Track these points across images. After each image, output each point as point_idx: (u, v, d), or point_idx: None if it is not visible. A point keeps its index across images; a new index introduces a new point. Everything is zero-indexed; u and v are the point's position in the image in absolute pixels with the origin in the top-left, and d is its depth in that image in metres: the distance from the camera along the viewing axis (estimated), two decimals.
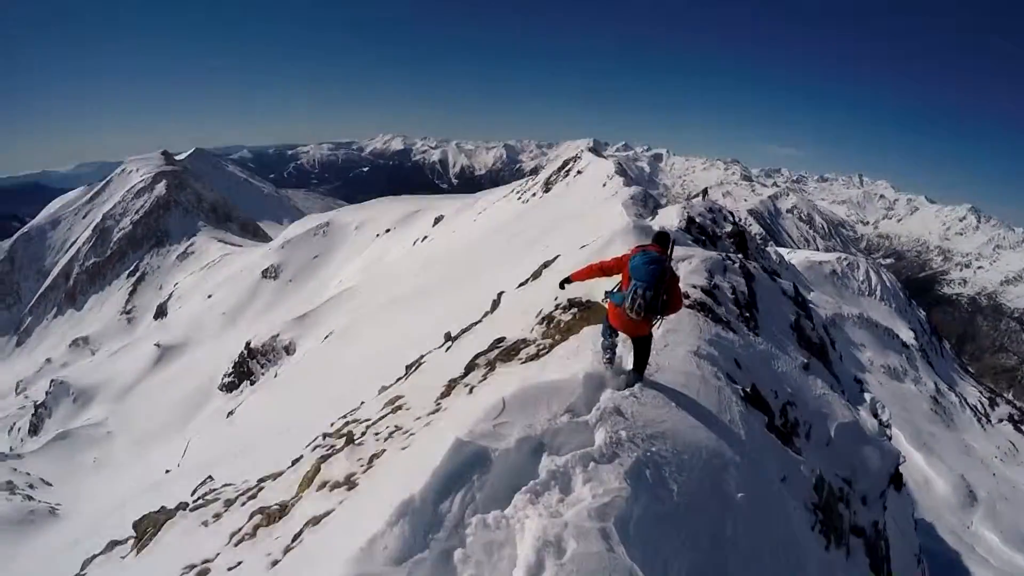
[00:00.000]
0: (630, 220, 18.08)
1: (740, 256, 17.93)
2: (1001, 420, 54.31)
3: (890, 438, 12.96)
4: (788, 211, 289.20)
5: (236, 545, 8.06)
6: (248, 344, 48.69)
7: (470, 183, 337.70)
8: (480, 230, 48.86)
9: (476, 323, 15.56)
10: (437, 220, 61.99)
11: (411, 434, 8.31)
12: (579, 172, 51.71)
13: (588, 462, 4.66)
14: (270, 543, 7.14)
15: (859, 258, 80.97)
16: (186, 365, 57.52)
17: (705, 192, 33.00)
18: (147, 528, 12.04)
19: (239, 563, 7.24)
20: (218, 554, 8.19)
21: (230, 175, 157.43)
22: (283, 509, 8.28)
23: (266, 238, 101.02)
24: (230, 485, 13.70)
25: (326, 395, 23.73)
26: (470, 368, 10.24)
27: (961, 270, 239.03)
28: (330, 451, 9.72)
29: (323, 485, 8.02)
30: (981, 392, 61.37)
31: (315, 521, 6.60)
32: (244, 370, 47.76)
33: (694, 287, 11.48)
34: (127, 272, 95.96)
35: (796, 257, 71.69)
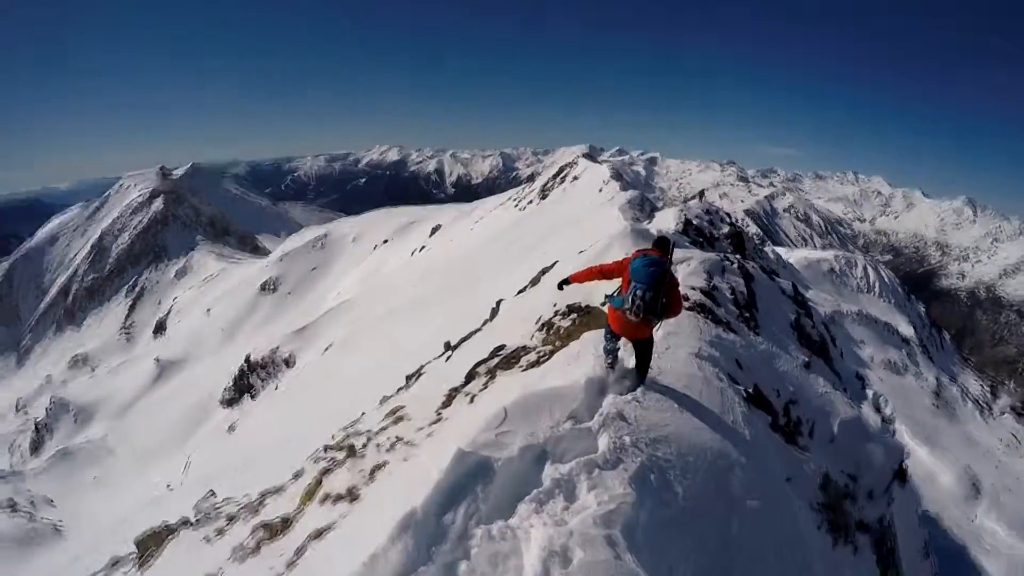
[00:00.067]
0: (627, 224, 18.08)
1: (738, 257, 17.93)
2: (1003, 411, 54.20)
3: (894, 433, 12.92)
4: (784, 210, 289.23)
5: (239, 561, 8.01)
6: (248, 358, 48.58)
7: (467, 192, 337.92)
8: (478, 239, 48.86)
9: (476, 331, 15.53)
10: (434, 230, 61.99)
11: (413, 445, 8.26)
12: (575, 178, 51.78)
13: (592, 469, 4.61)
14: (273, 558, 7.09)
15: (857, 255, 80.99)
16: (186, 380, 57.39)
17: (701, 194, 33.03)
18: (149, 545, 11.98)
19: None
20: (221, 569, 8.14)
21: (227, 190, 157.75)
22: (286, 523, 8.23)
23: (264, 252, 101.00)
24: (232, 499, 13.62)
25: (327, 407, 23.68)
26: (471, 377, 10.20)
27: (959, 263, 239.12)
28: (332, 463, 9.66)
29: (325, 498, 7.97)
30: (983, 384, 61.24)
31: (318, 535, 6.56)
32: (244, 384, 47.62)
33: (693, 289, 11.46)
34: (126, 288, 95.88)
35: (794, 256, 71.68)
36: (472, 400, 8.59)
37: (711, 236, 22.22)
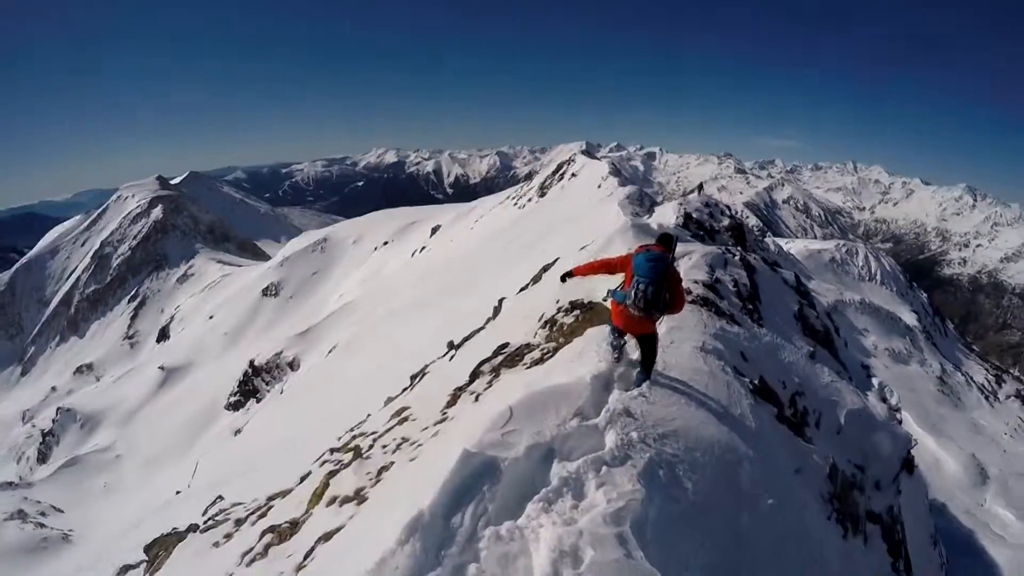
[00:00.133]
0: (628, 219, 18.04)
1: (739, 249, 17.89)
2: (1009, 397, 54.10)
3: (900, 422, 12.90)
4: (784, 202, 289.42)
5: (248, 565, 8.00)
6: (252, 362, 48.68)
7: (465, 192, 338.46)
8: (477, 238, 48.86)
9: (479, 330, 15.51)
10: (434, 230, 61.99)
11: (418, 445, 8.25)
12: (573, 175, 51.73)
13: (600, 466, 4.58)
14: (282, 562, 7.08)
15: (858, 244, 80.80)
16: (191, 386, 57.44)
17: (700, 187, 32.96)
18: (158, 551, 12.00)
19: None
20: (231, 574, 8.13)
21: (226, 196, 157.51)
22: (294, 526, 8.23)
23: (265, 257, 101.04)
24: (240, 504, 13.63)
25: (332, 409, 23.70)
26: (475, 376, 10.18)
27: (960, 250, 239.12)
28: (338, 466, 9.66)
29: (332, 500, 7.96)
30: (987, 370, 61.11)
31: (326, 537, 6.54)
32: (249, 388, 47.71)
33: (696, 282, 11.42)
34: (128, 297, 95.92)
35: (795, 247, 71.55)
36: (477, 399, 8.57)
37: (711, 229, 22.14)
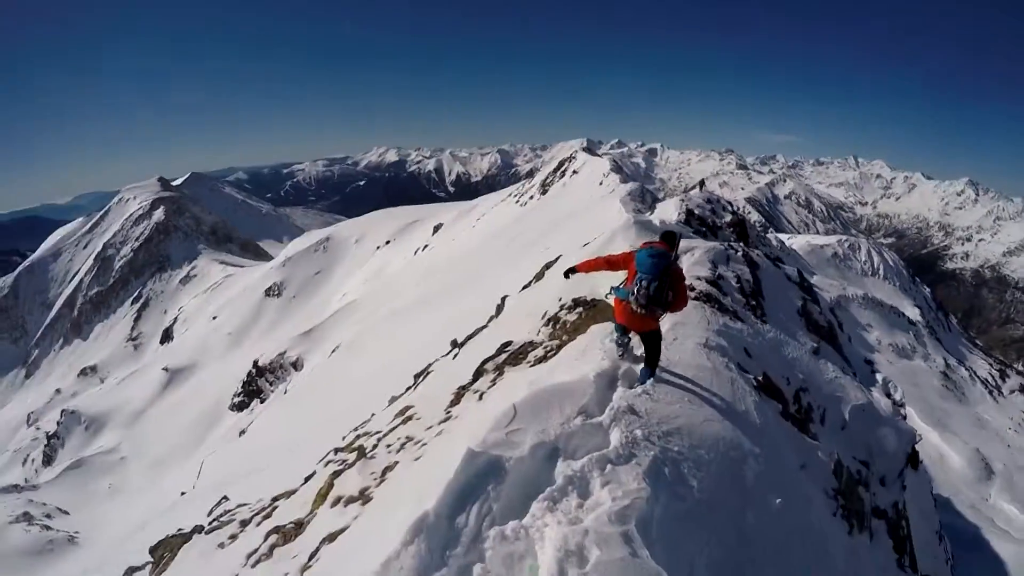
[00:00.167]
0: (630, 216, 18.00)
1: (742, 245, 17.84)
2: (1013, 391, 53.98)
3: (905, 417, 12.87)
4: (786, 197, 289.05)
5: (253, 566, 8.00)
6: (256, 362, 48.73)
7: (467, 190, 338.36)
8: (479, 236, 48.81)
9: (482, 328, 15.49)
10: (436, 229, 61.96)
11: (423, 444, 8.24)
12: (575, 172, 51.65)
13: (605, 464, 4.56)
14: (287, 563, 7.08)
15: (860, 239, 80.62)
16: (195, 387, 57.53)
17: (702, 183, 32.82)
18: (164, 553, 11.99)
19: None
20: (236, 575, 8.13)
21: (227, 197, 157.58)
22: (298, 527, 8.22)
23: (267, 257, 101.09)
24: (245, 505, 13.63)
25: (336, 409, 23.69)
26: (478, 374, 10.17)
27: (963, 244, 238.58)
28: (342, 466, 9.65)
29: (337, 501, 7.95)
30: (991, 364, 60.98)
31: (331, 538, 6.53)
32: (253, 388, 47.78)
33: (699, 278, 11.40)
34: (131, 299, 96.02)
35: (797, 242, 71.37)
36: (481, 397, 8.55)
37: (713, 225, 22.11)
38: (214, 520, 13.06)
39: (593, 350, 7.34)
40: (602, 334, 7.89)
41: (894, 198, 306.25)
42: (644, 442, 4.93)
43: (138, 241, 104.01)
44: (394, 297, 43.31)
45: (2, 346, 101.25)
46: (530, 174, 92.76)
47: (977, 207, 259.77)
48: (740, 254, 14.70)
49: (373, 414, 14.17)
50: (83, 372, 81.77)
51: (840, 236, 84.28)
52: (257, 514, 10.98)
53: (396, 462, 8.09)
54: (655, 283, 5.83)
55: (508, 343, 11.16)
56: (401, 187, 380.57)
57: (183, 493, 30.09)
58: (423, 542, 3.71)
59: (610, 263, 6.69)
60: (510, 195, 59.96)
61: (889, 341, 49.61)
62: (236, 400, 48.54)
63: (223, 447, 39.21)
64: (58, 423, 59.65)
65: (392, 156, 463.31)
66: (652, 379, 6.26)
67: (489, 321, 15.88)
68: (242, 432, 38.83)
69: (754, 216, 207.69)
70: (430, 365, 15.62)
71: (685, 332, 8.22)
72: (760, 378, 8.23)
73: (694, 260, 12.60)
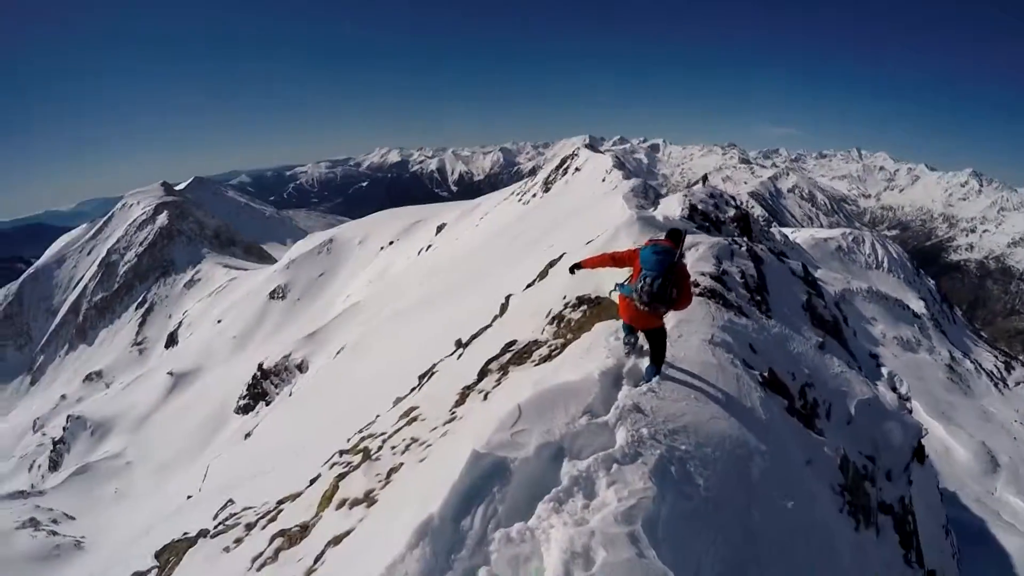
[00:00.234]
0: (633, 212, 17.95)
1: (746, 239, 17.79)
2: (1018, 383, 53.87)
3: (910, 411, 12.79)
4: (789, 191, 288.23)
5: (259, 570, 7.99)
6: (261, 365, 48.76)
7: (469, 189, 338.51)
8: (483, 235, 48.80)
9: (486, 328, 15.46)
10: (439, 228, 61.98)
11: (428, 445, 8.22)
12: (577, 169, 51.62)
13: (611, 464, 4.53)
14: (292, 566, 7.06)
15: (864, 232, 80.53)
16: (200, 391, 57.61)
17: (705, 178, 32.68)
18: (169, 557, 12.01)
19: None
20: None
21: (230, 200, 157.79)
22: (304, 530, 8.20)
23: (271, 260, 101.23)
24: (250, 508, 13.63)
25: (341, 411, 23.69)
26: (483, 374, 10.15)
27: (967, 235, 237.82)
28: (347, 468, 9.64)
29: (342, 503, 7.94)
30: (996, 357, 60.84)
31: (336, 541, 6.52)
32: (258, 391, 47.82)
33: (703, 274, 11.35)
34: (135, 304, 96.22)
35: (801, 236, 71.26)
36: (486, 398, 8.53)
37: (717, 220, 22.04)
38: (219, 524, 13.08)
39: (598, 348, 7.31)
40: (607, 332, 7.86)
41: (897, 190, 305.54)
42: (650, 441, 4.90)
43: (142, 246, 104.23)
44: (398, 298, 43.30)
45: (7, 353, 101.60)
46: (533, 172, 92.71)
47: (981, 198, 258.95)
48: (744, 249, 14.66)
49: (378, 415, 14.16)
50: (88, 377, 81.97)
51: (844, 229, 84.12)
52: (262, 517, 10.98)
53: (401, 464, 8.08)
54: (659, 280, 5.80)
55: (512, 342, 11.14)
56: (404, 187, 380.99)
57: (189, 497, 30.13)
58: (428, 545, 3.68)
59: (615, 259, 6.70)
60: (513, 193, 59.94)
61: (894, 334, 49.53)
62: (241, 403, 48.58)
63: (228, 450, 39.25)
64: (64, 429, 59.74)
65: (394, 156, 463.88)
66: (658, 377, 6.23)
67: (493, 320, 15.86)
68: (247, 435, 38.85)
69: (757, 210, 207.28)
70: (434, 366, 15.60)
71: (690, 329, 8.18)
72: (765, 374, 8.20)
73: (698, 256, 12.56)
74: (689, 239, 13.32)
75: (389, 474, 7.96)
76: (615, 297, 6.75)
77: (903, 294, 61.21)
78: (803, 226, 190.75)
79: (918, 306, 59.78)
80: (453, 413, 9.04)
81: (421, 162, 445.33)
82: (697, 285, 10.39)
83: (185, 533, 14.28)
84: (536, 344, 10.22)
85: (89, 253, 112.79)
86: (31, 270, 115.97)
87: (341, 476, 9.04)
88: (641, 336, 6.92)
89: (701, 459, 5.00)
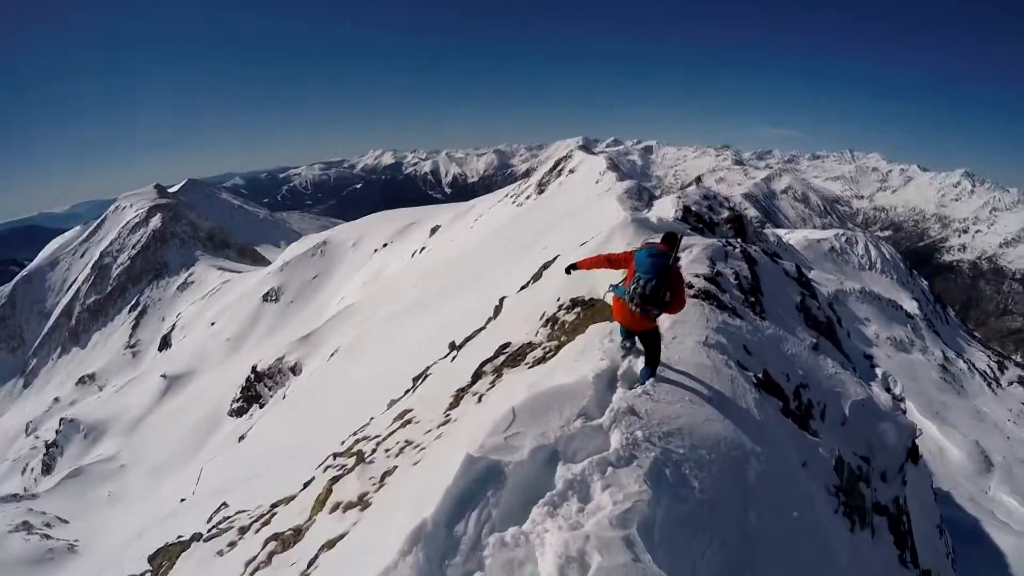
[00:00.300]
0: (627, 214, 17.97)
1: (740, 241, 17.82)
2: (1011, 383, 54.05)
3: (904, 411, 12.84)
4: (783, 192, 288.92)
5: (252, 574, 7.95)
6: (254, 368, 48.64)
7: (463, 191, 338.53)
8: (477, 237, 48.78)
9: (480, 330, 15.44)
10: (433, 230, 61.93)
11: (422, 448, 8.20)
12: (571, 171, 51.64)
13: (605, 467, 4.50)
14: (285, 570, 7.03)
15: (857, 233, 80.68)
16: (193, 394, 57.45)
17: (698, 180, 32.62)
18: (162, 561, 11.96)
19: None
20: None
21: (224, 203, 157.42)
22: (297, 533, 8.18)
23: (265, 262, 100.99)
24: (244, 512, 13.59)
25: (335, 413, 23.64)
26: (477, 376, 10.13)
27: (960, 236, 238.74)
28: (341, 471, 9.61)
29: (336, 507, 7.91)
30: (989, 357, 61.07)
31: (329, 545, 6.49)
32: (252, 394, 47.69)
33: (697, 276, 11.35)
34: (128, 307, 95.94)
35: (794, 237, 71.38)
36: (479, 400, 8.51)
37: (711, 222, 22.10)
38: (213, 527, 13.02)
39: (592, 350, 7.29)
40: (601, 334, 7.85)
41: (890, 191, 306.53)
42: (645, 443, 4.87)
43: (135, 249, 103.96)
44: (392, 300, 43.23)
45: (0, 356, 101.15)
46: (527, 174, 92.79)
47: (973, 198, 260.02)
48: (738, 250, 14.68)
49: (372, 418, 14.12)
50: (81, 380, 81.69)
51: (837, 230, 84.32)
52: (256, 521, 10.94)
53: (395, 467, 8.05)
54: (652, 283, 5.79)
55: (506, 344, 11.12)
56: (398, 189, 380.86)
57: (183, 500, 30.04)
58: (421, 551, 3.64)
59: (610, 261, 6.73)
60: (507, 195, 59.92)
61: (887, 335, 49.65)
62: (235, 406, 48.45)
63: (222, 453, 39.11)
64: (57, 432, 59.53)
65: (388, 158, 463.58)
66: (652, 379, 6.22)
67: (487, 323, 15.84)
68: (241, 438, 38.75)
69: (751, 212, 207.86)
70: (428, 368, 15.57)
71: (684, 330, 8.17)
72: (760, 375, 8.19)
73: (692, 257, 12.57)
74: (683, 241, 13.33)
75: (383, 477, 7.93)
76: (609, 299, 6.76)
77: (896, 295, 61.36)
78: (797, 227, 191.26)
79: (911, 307, 59.95)
80: (447, 415, 9.02)
81: (415, 164, 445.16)
82: (691, 287, 10.39)
83: (179, 536, 14.23)
84: (530, 346, 10.21)
85: (82, 256, 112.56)
86: (24, 272, 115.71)
87: (335, 479, 9.01)
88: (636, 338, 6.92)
89: (696, 461, 4.98)
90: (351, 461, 9.88)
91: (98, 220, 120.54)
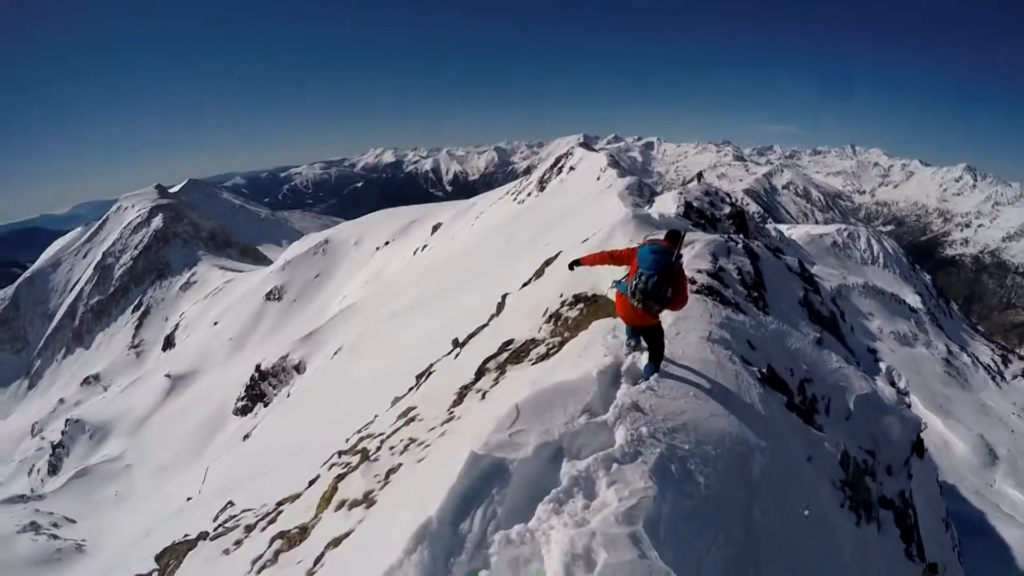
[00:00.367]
0: (629, 210, 17.93)
1: (742, 236, 17.78)
2: (1015, 376, 54.03)
3: (909, 405, 12.79)
4: (784, 187, 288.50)
5: (258, 572, 7.96)
6: (258, 366, 48.73)
7: (464, 189, 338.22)
8: (478, 234, 48.80)
9: (483, 327, 15.43)
10: (435, 228, 61.96)
11: (426, 446, 8.19)
12: (572, 168, 51.66)
13: (610, 463, 4.48)
14: (292, 568, 7.04)
15: (859, 228, 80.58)
16: (198, 393, 57.58)
17: (700, 176, 32.63)
18: (169, 560, 11.98)
19: None
20: None
21: (225, 202, 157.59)
22: (303, 532, 8.18)
23: (267, 261, 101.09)
24: (250, 510, 13.60)
25: (339, 411, 23.66)
26: (480, 373, 10.12)
27: (962, 230, 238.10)
28: (346, 469, 9.62)
29: (341, 504, 7.91)
30: (993, 350, 61.04)
31: (335, 543, 6.49)
32: (256, 392, 47.80)
33: (700, 271, 11.32)
34: (132, 307, 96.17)
35: (796, 232, 71.31)
36: (483, 397, 8.51)
37: (713, 217, 22.04)
38: (219, 526, 13.05)
39: (595, 346, 7.28)
40: (604, 330, 7.84)
41: (892, 186, 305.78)
42: (650, 439, 4.86)
43: (137, 249, 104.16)
44: (394, 298, 43.26)
45: (4, 357, 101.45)
46: (527, 171, 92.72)
47: (975, 192, 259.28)
48: (740, 246, 14.63)
49: (376, 416, 14.13)
50: (86, 381, 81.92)
51: (839, 225, 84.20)
52: (262, 519, 10.95)
53: (399, 464, 8.05)
54: (653, 279, 5.78)
55: (510, 341, 11.11)
56: (399, 187, 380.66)
57: (189, 499, 30.12)
58: (426, 549, 3.63)
59: (613, 257, 6.73)
60: (508, 193, 59.93)
61: (891, 329, 49.62)
62: (239, 404, 48.57)
63: (227, 452, 39.21)
64: (62, 432, 59.70)
65: (389, 157, 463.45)
66: (656, 374, 6.21)
67: (490, 319, 15.83)
68: (246, 436, 38.83)
69: (753, 207, 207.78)
70: (432, 365, 15.57)
71: (688, 326, 8.15)
72: (764, 370, 8.18)
73: (695, 253, 12.53)
74: (685, 237, 13.30)
75: (388, 475, 7.93)
76: (612, 295, 6.75)
77: (899, 289, 61.31)
78: (798, 222, 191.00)
79: (914, 301, 59.91)
80: (451, 413, 9.01)
81: (416, 162, 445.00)
82: (694, 282, 10.37)
83: (185, 535, 14.25)
84: (533, 343, 10.19)
85: (84, 256, 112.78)
86: (27, 274, 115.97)
87: (340, 477, 9.01)
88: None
89: (701, 457, 4.96)
90: (356, 459, 9.89)
91: (100, 221, 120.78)
